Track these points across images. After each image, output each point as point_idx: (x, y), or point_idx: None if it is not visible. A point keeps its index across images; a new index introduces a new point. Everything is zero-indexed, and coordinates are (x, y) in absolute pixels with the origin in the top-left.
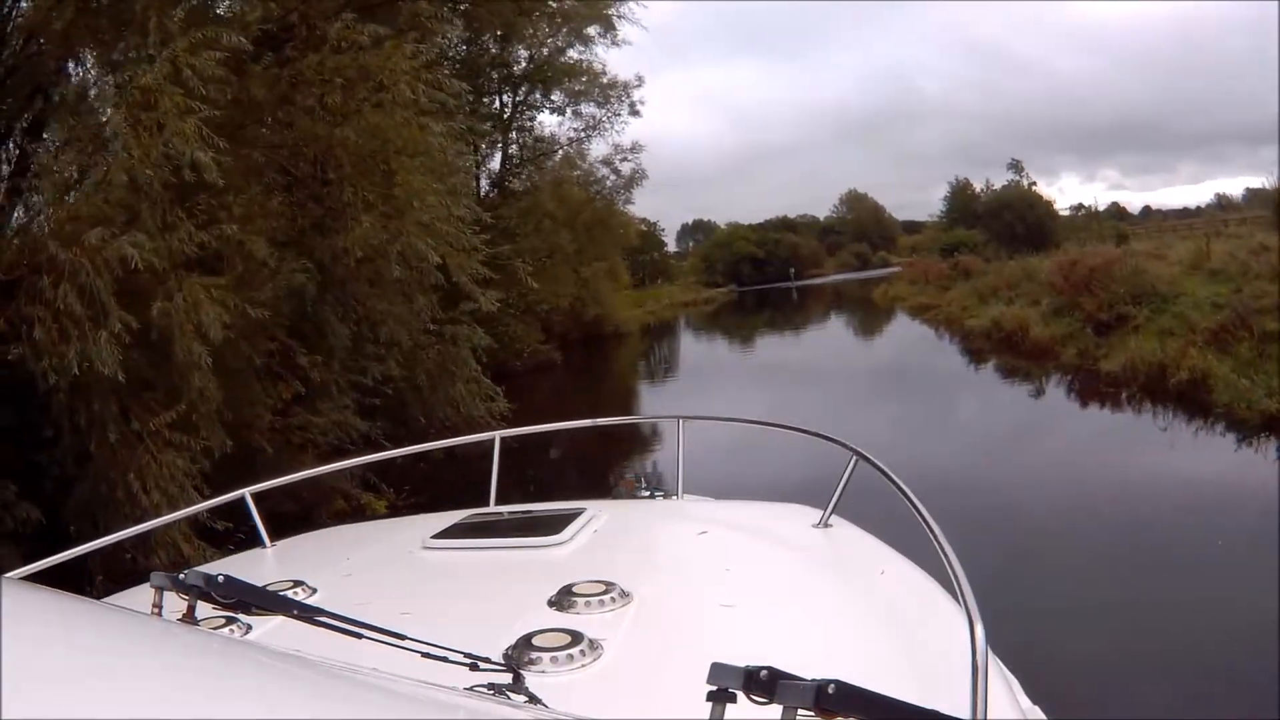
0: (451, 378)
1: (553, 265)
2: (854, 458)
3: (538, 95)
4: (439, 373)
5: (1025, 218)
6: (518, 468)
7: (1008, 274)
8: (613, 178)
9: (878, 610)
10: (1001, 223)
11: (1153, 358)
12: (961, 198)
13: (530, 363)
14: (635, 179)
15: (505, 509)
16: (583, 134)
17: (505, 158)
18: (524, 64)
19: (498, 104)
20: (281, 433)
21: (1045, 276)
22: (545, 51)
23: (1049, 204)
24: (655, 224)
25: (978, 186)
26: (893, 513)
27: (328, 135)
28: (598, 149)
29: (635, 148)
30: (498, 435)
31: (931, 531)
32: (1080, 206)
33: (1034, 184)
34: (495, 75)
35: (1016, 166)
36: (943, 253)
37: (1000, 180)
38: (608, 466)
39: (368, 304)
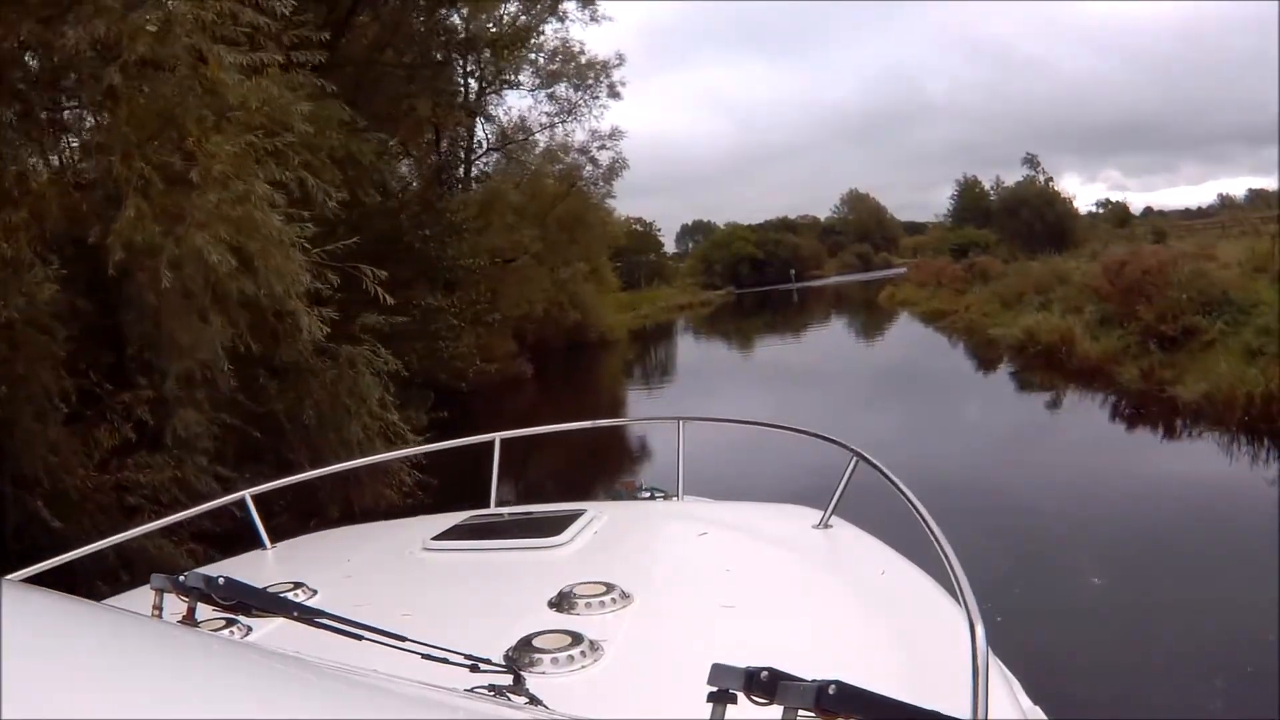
0: (346, 412)
1: (523, 267)
2: (854, 458)
3: (506, 74)
4: (331, 405)
5: (1044, 216)
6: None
7: (1036, 277)
8: (590, 168)
9: (878, 611)
10: (1018, 221)
11: (1251, 385)
12: (970, 195)
13: (493, 378)
14: (615, 169)
15: (505, 510)
16: (556, 119)
17: (469, 146)
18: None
19: (462, 86)
20: (99, 493)
21: (1084, 279)
22: (514, 22)
23: (1068, 201)
24: (652, 224)
25: (986, 184)
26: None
27: (99, 81)
28: (574, 136)
29: (615, 134)
30: (498, 437)
31: (931, 532)
32: (1108, 203)
33: (1050, 180)
34: (444, 40)
35: (1032, 161)
36: (953, 253)
37: (1010, 177)
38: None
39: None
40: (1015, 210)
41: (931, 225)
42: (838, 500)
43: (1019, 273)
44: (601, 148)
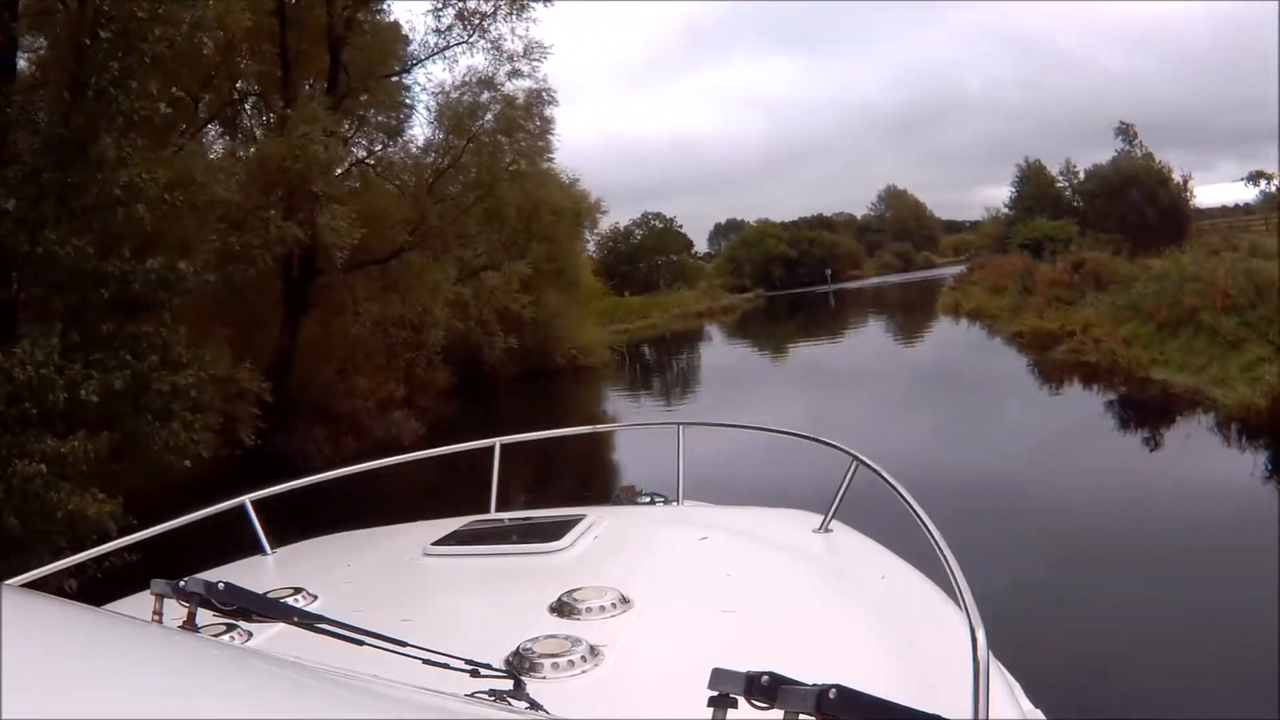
0: None
1: (402, 269)
2: (854, 463)
3: None
4: None
5: (1157, 199)
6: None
7: (1222, 285)
8: (498, 107)
9: (879, 615)
10: (1123, 205)
11: None
12: (1035, 182)
13: (348, 450)
14: (536, 106)
15: (506, 515)
16: (453, 37)
17: (334, 79)
18: None
19: None
20: None
21: None
22: None
23: (1183, 182)
24: (672, 220)
25: (1053, 168)
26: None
27: None
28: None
29: (533, 50)
30: (498, 442)
31: (931, 536)
32: (1259, 175)
33: (1149, 155)
34: None
35: (1127, 133)
36: (1026, 249)
37: (1083, 159)
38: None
39: None
40: (1120, 192)
41: (985, 221)
42: (838, 505)
43: (1168, 276)
44: (515, 74)
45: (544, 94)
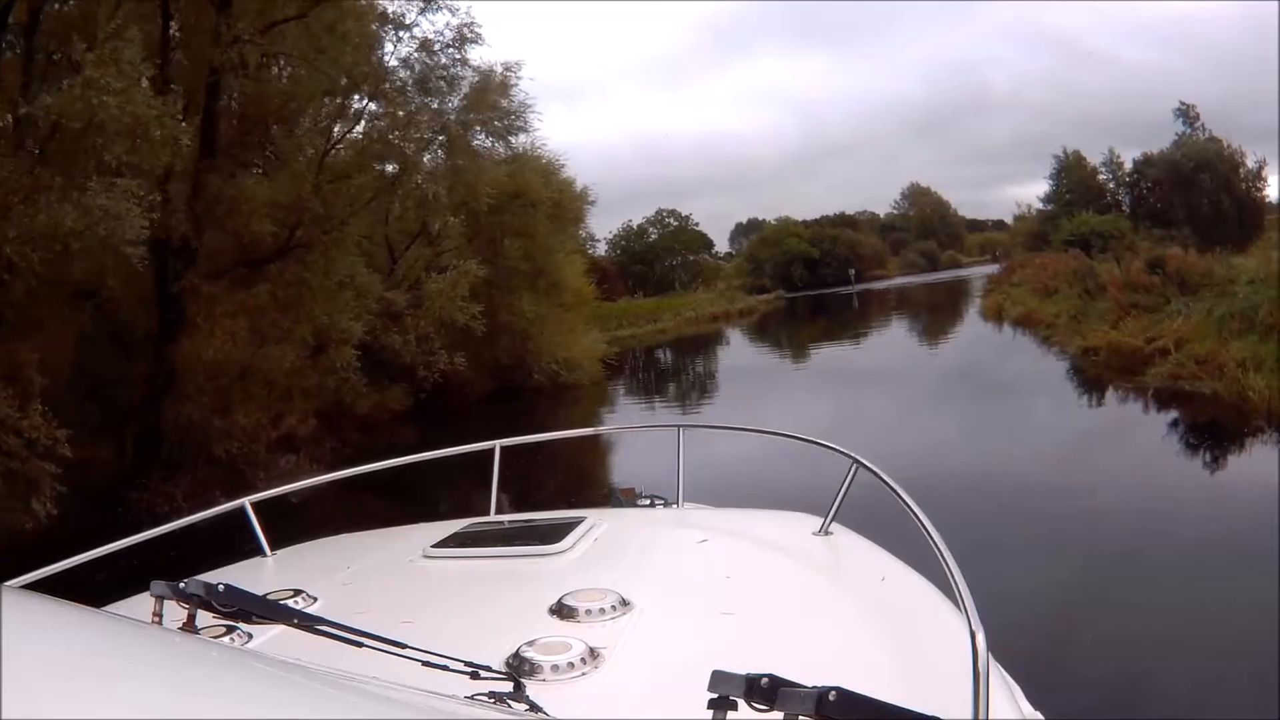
0: None
1: (293, 272)
2: (853, 465)
3: None
4: None
5: (1231, 188)
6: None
7: None
8: (406, 50)
9: (879, 617)
10: (1194, 194)
11: None
12: (1076, 174)
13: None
14: (458, 48)
15: (505, 518)
16: None
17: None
18: None
19: None
20: None
21: None
22: None
23: (1256, 169)
24: (688, 217)
25: (1094, 159)
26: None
27: None
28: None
29: None
30: (498, 445)
31: (931, 538)
32: None
33: (1214, 139)
34: None
35: (1187, 113)
36: (1072, 245)
37: (1126, 151)
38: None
39: None
40: (1189, 180)
41: (1018, 218)
42: (838, 507)
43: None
44: (430, 7)
45: (465, 30)
